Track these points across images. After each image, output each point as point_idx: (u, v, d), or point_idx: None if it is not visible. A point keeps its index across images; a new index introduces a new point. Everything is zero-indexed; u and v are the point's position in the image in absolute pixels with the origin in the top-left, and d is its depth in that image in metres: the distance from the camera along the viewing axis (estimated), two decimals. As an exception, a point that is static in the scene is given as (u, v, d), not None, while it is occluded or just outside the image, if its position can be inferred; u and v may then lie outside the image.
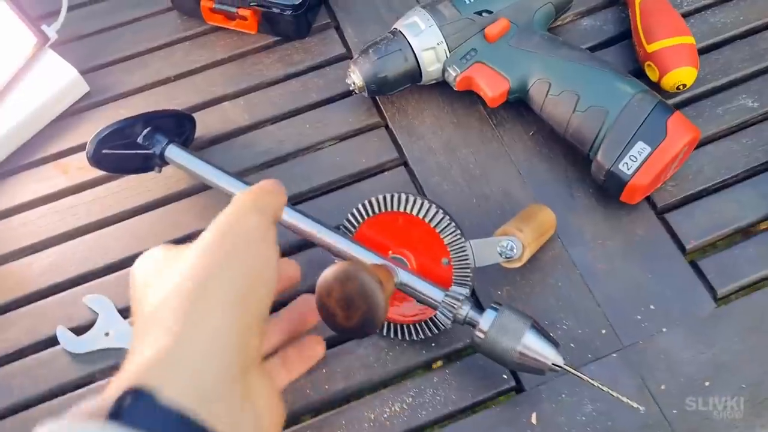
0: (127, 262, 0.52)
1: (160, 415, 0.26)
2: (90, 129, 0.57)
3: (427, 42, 0.52)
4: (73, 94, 0.58)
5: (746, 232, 0.51)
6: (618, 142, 0.48)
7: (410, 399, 0.46)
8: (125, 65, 0.61)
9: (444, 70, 0.54)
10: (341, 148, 0.56)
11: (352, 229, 0.47)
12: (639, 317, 0.47)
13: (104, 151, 0.49)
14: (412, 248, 0.46)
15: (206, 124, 0.57)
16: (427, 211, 0.44)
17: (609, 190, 0.50)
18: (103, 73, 0.60)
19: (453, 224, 0.44)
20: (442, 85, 0.56)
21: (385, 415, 0.45)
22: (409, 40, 0.53)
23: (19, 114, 0.56)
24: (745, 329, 0.46)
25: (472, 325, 0.42)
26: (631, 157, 0.47)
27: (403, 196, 0.45)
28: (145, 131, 0.50)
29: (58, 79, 0.57)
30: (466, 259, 0.44)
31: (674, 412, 0.44)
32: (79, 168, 0.56)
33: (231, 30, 0.61)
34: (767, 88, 0.55)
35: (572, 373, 0.40)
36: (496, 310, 0.41)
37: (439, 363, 0.48)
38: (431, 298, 0.43)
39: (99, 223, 0.54)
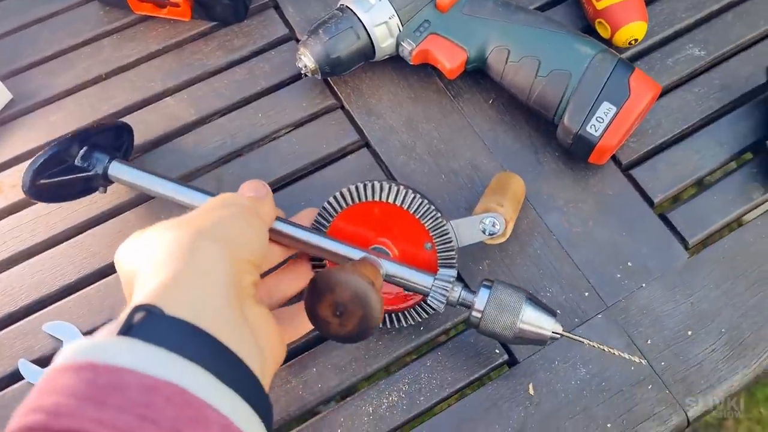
0: (85, 281, 0.48)
1: (166, 326, 0.29)
2: (19, 141, 0.53)
3: (378, 17, 0.50)
4: (-5, 103, 0.53)
5: (708, 180, 0.52)
6: (583, 105, 0.47)
7: (406, 386, 0.45)
8: (48, 66, 0.56)
9: (398, 45, 0.52)
10: (298, 135, 0.53)
11: (326, 224, 0.45)
12: (618, 276, 0.48)
13: (41, 182, 0.45)
14: (392, 236, 0.45)
15: (149, 123, 0.53)
16: (404, 197, 0.43)
17: (577, 153, 0.50)
18: (24, 77, 0.55)
19: (432, 207, 0.43)
20: (394, 60, 0.54)
21: (384, 406, 0.44)
22: (359, 16, 0.50)
23: (-63, 132, 0.50)
24: (718, 275, 0.48)
25: (467, 306, 0.41)
26: (598, 119, 0.47)
27: (377, 185, 0.43)
28: (82, 152, 0.46)
29: (-24, 89, 0.52)
30: (450, 241, 0.43)
31: (662, 364, 0.45)
32: (14, 185, 0.51)
33: (162, 18, 0.57)
34: (712, 35, 0.56)
35: (574, 339, 0.41)
36: (488, 288, 0.40)
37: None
38: (421, 285, 0.41)
39: (46, 243, 0.49)
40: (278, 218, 0.42)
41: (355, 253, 0.42)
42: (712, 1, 0.57)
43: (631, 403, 0.44)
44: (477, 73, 0.53)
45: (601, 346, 0.40)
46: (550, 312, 0.41)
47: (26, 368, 0.45)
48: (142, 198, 0.51)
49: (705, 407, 0.44)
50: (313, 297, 0.37)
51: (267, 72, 0.55)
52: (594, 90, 0.47)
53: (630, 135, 0.51)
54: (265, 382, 0.33)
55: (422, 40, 0.51)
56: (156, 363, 0.27)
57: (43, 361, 0.45)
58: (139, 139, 0.52)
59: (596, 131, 0.47)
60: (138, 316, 0.29)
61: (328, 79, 0.54)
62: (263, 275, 0.41)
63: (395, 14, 0.50)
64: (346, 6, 0.51)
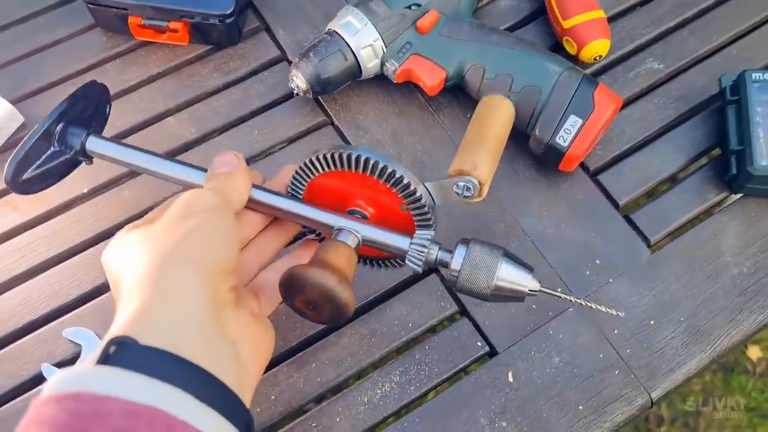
0: (99, 290, 0.52)
1: (141, 354, 0.30)
2: (33, 161, 0.56)
3: (364, 40, 0.55)
4: (8, 127, 0.57)
5: (668, 183, 0.57)
6: (552, 118, 0.52)
7: (397, 377, 0.49)
8: (56, 90, 0.60)
9: (382, 65, 0.56)
10: (292, 150, 0.58)
11: (302, 188, 0.44)
12: (588, 272, 0.53)
13: (24, 178, 0.45)
14: (368, 198, 0.44)
15: (153, 141, 0.57)
16: (372, 167, 0.41)
17: (548, 161, 0.54)
18: (34, 101, 0.59)
19: (399, 173, 0.41)
20: (379, 79, 0.58)
21: (377, 396, 0.49)
22: (346, 39, 0.55)
23: (-44, 155, 0.54)
24: (677, 269, 0.53)
25: (444, 265, 0.42)
26: (566, 130, 0.52)
27: (338, 156, 0.41)
28: (57, 133, 0.45)
29: (-9, 114, 0.56)
30: (423, 205, 0.42)
31: (628, 351, 0.50)
32: (30, 202, 0.55)
33: (161, 43, 0.61)
34: (669, 50, 0.61)
35: (552, 294, 0.42)
36: (465, 246, 0.41)
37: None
38: (398, 248, 0.42)
39: (61, 256, 0.53)
40: (255, 186, 0.43)
41: (331, 220, 0.43)
42: (669, 18, 0.62)
43: (600, 387, 0.49)
44: (456, 90, 0.58)
45: (579, 300, 0.42)
46: (527, 268, 0.41)
47: (49, 371, 0.49)
48: (149, 209, 0.55)
49: (666, 389, 0.49)
50: (287, 293, 0.40)
51: (261, 92, 0.60)
52: (562, 104, 0.52)
53: (596, 143, 0.56)
54: (247, 391, 0.35)
55: (405, 60, 0.55)
56: (136, 388, 0.28)
57: (64, 364, 0.49)
58: (144, 156, 0.56)
59: (565, 141, 0.52)
60: (113, 348, 0.30)
61: (319, 97, 0.59)
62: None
63: (379, 37, 0.55)
64: (334, 30, 0.55)
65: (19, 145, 0.44)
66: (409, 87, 0.59)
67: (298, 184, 0.45)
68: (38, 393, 0.48)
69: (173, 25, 0.58)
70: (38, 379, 0.49)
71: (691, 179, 0.56)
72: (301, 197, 0.45)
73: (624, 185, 0.56)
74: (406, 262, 0.42)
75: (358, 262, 0.45)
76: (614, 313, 0.42)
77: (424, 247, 0.42)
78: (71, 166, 0.49)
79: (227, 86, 0.60)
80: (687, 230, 0.54)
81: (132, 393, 0.28)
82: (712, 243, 0.53)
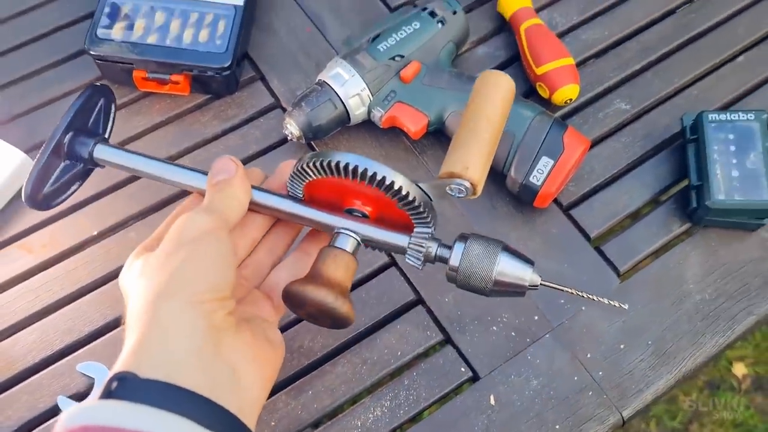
0: (109, 326, 0.56)
1: (142, 387, 0.33)
2: (46, 206, 0.61)
3: (352, 90, 0.59)
4: (23, 175, 0.61)
5: (635, 216, 0.61)
6: (526, 159, 0.57)
7: (388, 402, 0.53)
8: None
9: (369, 112, 0.61)
10: (287, 191, 0.62)
11: (299, 188, 0.44)
12: (562, 301, 0.57)
13: (44, 194, 0.46)
14: (364, 196, 0.44)
15: (158, 186, 0.61)
16: (353, 172, 0.40)
17: (523, 198, 0.59)
18: (46, 149, 0.63)
19: (380, 175, 0.40)
20: (367, 124, 0.63)
21: (370, 420, 0.53)
22: (336, 90, 0.59)
23: (-25, 203, 0.58)
24: (645, 296, 0.57)
25: (444, 261, 0.42)
26: (539, 170, 0.57)
27: (325, 162, 0.40)
28: (65, 147, 0.46)
29: (7, 164, 0.60)
30: (416, 205, 0.41)
31: (600, 373, 0.54)
32: (44, 245, 0.59)
33: (164, 94, 0.66)
34: (635, 91, 0.66)
35: (554, 288, 0.42)
36: (463, 242, 0.41)
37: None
38: (397, 246, 0.43)
39: (74, 295, 0.57)
40: (255, 188, 0.44)
41: (330, 221, 0.43)
42: (634, 61, 0.68)
43: (575, 408, 0.53)
44: (438, 133, 0.63)
45: (581, 293, 0.43)
46: (528, 262, 0.41)
47: (64, 403, 0.52)
48: (155, 252, 0.59)
49: (636, 408, 0.53)
50: (289, 306, 0.43)
51: (257, 137, 0.64)
52: (534, 146, 0.57)
53: (568, 181, 0.60)
54: (250, 413, 0.37)
55: (390, 108, 0.60)
56: (137, 418, 0.31)
57: (79, 397, 0.53)
58: (150, 199, 0.61)
59: (538, 181, 0.57)
60: (114, 384, 0.33)
61: (311, 142, 0.63)
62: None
63: (366, 87, 0.60)
64: (324, 81, 0.60)
65: (33, 165, 0.45)
66: (395, 131, 0.63)
67: (296, 185, 0.44)
68: (54, 424, 0.52)
69: (175, 77, 0.63)
70: (54, 411, 0.53)
71: (656, 212, 0.61)
72: (301, 195, 0.45)
73: (595, 219, 0.60)
74: (406, 259, 0.43)
75: (366, 247, 0.45)
76: (617, 305, 0.43)
77: (423, 243, 0.42)
78: (86, 173, 0.49)
79: (225, 132, 0.65)
80: (653, 260, 0.59)
81: (134, 422, 0.31)
82: (676, 271, 0.58)
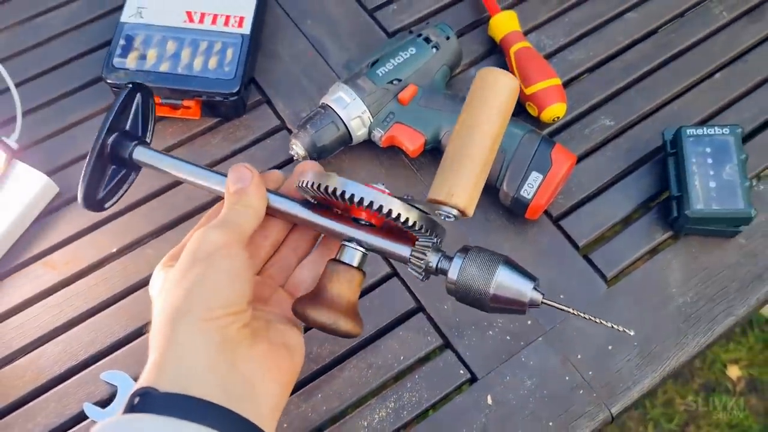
0: (129, 337, 0.60)
1: (160, 400, 0.35)
2: (67, 226, 0.65)
3: (353, 112, 0.64)
4: (45, 197, 0.65)
5: (621, 226, 0.65)
6: (517, 174, 0.61)
7: (392, 404, 0.57)
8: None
9: (370, 132, 0.65)
10: (294, 207, 0.66)
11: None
12: (554, 306, 0.61)
13: (98, 198, 0.48)
14: (368, 213, 0.44)
15: (173, 204, 0.66)
16: (341, 196, 0.41)
17: (515, 211, 0.63)
18: (67, 172, 0.68)
19: (387, 207, 0.41)
20: (368, 144, 0.67)
21: (375, 421, 0.56)
22: (338, 112, 0.64)
23: (1, 225, 0.62)
24: (631, 301, 0.61)
25: (444, 274, 0.42)
26: (529, 185, 0.61)
27: (321, 187, 0.41)
28: (108, 150, 0.46)
29: (31, 187, 0.64)
30: (410, 225, 0.41)
31: (590, 373, 0.58)
32: (66, 262, 0.63)
33: (176, 118, 0.70)
34: (619, 108, 0.70)
35: (558, 308, 0.41)
36: (462, 255, 0.41)
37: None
38: (400, 256, 0.43)
39: (96, 309, 0.61)
40: (270, 192, 0.45)
41: (338, 228, 0.44)
42: (618, 80, 0.72)
43: (567, 405, 0.57)
44: (435, 151, 0.67)
45: (584, 315, 0.41)
46: (529, 278, 0.40)
47: (90, 410, 0.56)
48: (171, 267, 0.63)
49: (624, 405, 0.57)
50: (299, 318, 0.43)
51: (265, 157, 0.68)
52: (524, 162, 0.61)
53: (557, 194, 0.65)
54: (269, 418, 0.39)
55: (389, 128, 0.64)
56: (159, 427, 0.33)
57: (103, 403, 0.57)
58: (166, 217, 0.65)
59: (528, 194, 0.61)
60: (137, 399, 0.35)
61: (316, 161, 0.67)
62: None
63: (366, 109, 0.64)
64: (327, 104, 0.64)
65: (81, 174, 0.45)
66: (394, 150, 0.67)
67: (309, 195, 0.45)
68: (81, 428, 0.56)
69: (187, 102, 0.67)
70: (81, 417, 0.56)
71: (640, 222, 0.65)
72: (314, 201, 0.46)
73: (583, 229, 0.64)
74: (408, 269, 0.43)
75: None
76: (621, 330, 0.41)
77: (422, 258, 0.42)
78: (132, 173, 0.51)
79: (234, 153, 0.69)
80: (638, 267, 0.63)
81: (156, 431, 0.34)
82: (660, 277, 0.62)
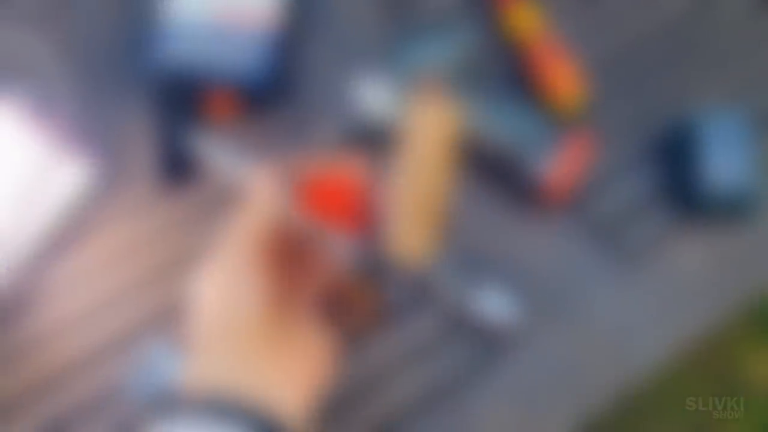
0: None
1: (190, 407, 0.38)
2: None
3: (380, 103, 0.67)
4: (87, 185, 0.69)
5: (638, 211, 0.67)
6: (531, 160, 0.63)
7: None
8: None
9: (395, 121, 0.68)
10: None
11: None
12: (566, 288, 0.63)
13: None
14: None
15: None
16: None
17: (530, 197, 0.65)
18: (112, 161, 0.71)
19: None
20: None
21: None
22: (366, 104, 0.67)
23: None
24: (648, 284, 0.63)
25: None
26: (545, 171, 0.63)
27: None
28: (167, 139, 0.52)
29: (75, 176, 0.68)
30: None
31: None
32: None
33: (216, 112, 0.73)
34: (635, 96, 0.72)
35: None
36: None
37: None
38: None
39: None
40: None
41: None
42: (634, 69, 0.74)
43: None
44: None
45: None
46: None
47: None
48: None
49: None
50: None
51: (299, 151, 0.71)
52: (539, 149, 0.63)
53: (574, 182, 0.66)
54: (299, 415, 0.41)
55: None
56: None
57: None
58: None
59: (544, 179, 0.63)
60: (168, 406, 0.38)
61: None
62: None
63: (392, 100, 0.67)
64: (356, 97, 0.68)
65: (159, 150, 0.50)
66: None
67: None
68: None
69: (223, 96, 0.71)
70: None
71: (657, 207, 0.67)
72: None
73: (598, 216, 0.66)
74: None
75: None
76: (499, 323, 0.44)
77: None
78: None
79: (270, 149, 0.72)
80: (655, 251, 0.65)
81: None
82: (677, 260, 0.64)
